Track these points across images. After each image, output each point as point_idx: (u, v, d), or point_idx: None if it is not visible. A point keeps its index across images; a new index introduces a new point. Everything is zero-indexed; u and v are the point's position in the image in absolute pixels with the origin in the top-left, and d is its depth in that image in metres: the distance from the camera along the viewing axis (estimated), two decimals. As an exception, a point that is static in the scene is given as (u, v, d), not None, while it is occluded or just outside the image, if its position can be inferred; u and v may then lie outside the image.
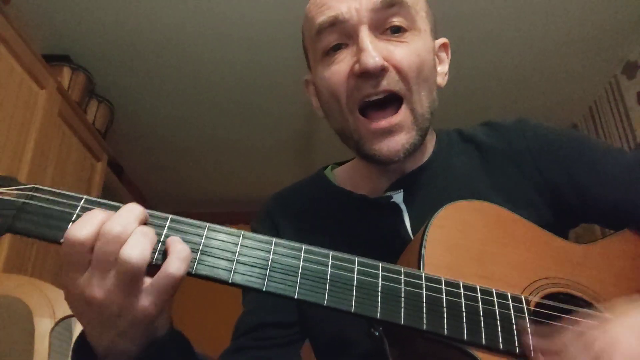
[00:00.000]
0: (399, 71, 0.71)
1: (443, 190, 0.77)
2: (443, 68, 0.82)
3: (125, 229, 0.49)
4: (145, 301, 0.49)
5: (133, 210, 0.51)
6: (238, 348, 0.78)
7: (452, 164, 0.81)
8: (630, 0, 2.25)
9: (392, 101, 0.72)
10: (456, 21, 2.32)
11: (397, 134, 0.71)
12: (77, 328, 1.08)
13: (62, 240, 0.50)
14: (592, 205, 0.76)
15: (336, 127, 0.78)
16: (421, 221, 0.67)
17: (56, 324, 1.07)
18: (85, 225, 0.49)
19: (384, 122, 0.71)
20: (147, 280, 0.50)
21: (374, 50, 0.69)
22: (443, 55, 0.83)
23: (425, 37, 0.76)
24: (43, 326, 1.05)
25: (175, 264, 0.50)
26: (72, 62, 2.46)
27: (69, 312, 1.08)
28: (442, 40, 0.83)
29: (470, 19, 2.33)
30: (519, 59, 2.59)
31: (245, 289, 0.53)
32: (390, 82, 0.70)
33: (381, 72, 0.70)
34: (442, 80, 0.81)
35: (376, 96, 0.71)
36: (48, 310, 1.07)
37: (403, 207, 0.77)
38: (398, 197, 0.78)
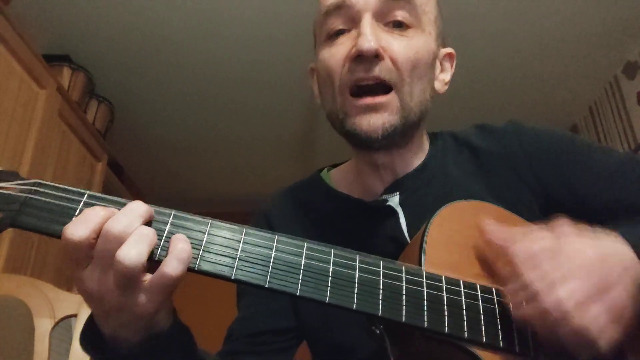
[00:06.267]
0: (394, 62, 0.72)
1: (439, 193, 0.77)
2: (445, 76, 0.82)
3: (126, 229, 0.49)
4: (142, 299, 0.50)
5: (136, 210, 0.51)
6: (232, 352, 0.78)
7: (447, 167, 0.81)
8: (630, 1, 2.25)
9: (384, 91, 0.73)
10: (456, 20, 2.32)
11: (379, 112, 0.72)
12: (77, 328, 1.08)
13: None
14: (585, 206, 0.75)
15: (327, 109, 0.79)
16: (418, 224, 0.67)
17: (56, 324, 1.07)
18: (83, 224, 0.49)
19: (369, 99, 0.72)
20: (147, 277, 0.50)
21: (371, 35, 0.71)
22: (447, 65, 0.83)
23: (428, 39, 0.76)
24: (43, 326, 1.05)
25: (172, 264, 0.50)
26: (72, 62, 2.46)
27: (69, 312, 1.08)
28: (448, 49, 0.83)
29: (470, 18, 2.33)
30: (518, 59, 2.59)
31: (248, 285, 0.53)
32: (382, 70, 0.71)
33: (375, 58, 0.71)
34: (440, 86, 0.81)
35: (367, 82, 0.72)
36: (48, 310, 1.07)
37: (399, 210, 0.77)
38: (394, 200, 0.78)
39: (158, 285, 0.50)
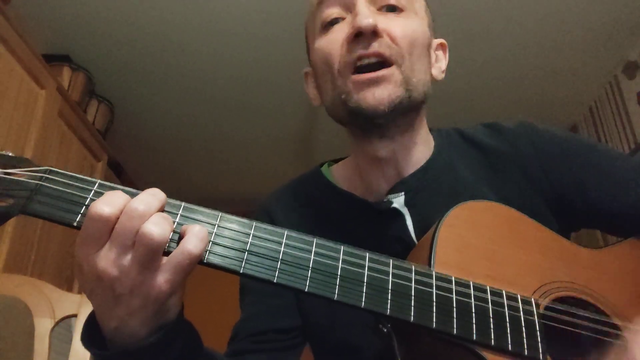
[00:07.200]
0: (392, 39, 0.72)
1: (446, 193, 0.76)
2: (441, 64, 0.82)
3: (149, 209, 0.50)
4: (160, 278, 0.50)
5: (156, 194, 0.52)
6: (239, 352, 0.77)
7: (454, 166, 0.80)
8: (630, 0, 2.25)
9: (385, 67, 0.72)
10: (456, 19, 2.32)
11: (383, 84, 0.71)
12: (77, 328, 1.08)
13: (77, 220, 0.51)
14: (598, 210, 0.75)
15: (327, 100, 0.78)
16: (425, 225, 0.66)
17: (56, 324, 1.07)
18: (110, 202, 0.50)
19: (371, 73, 0.71)
20: (163, 259, 0.51)
21: (369, 12, 0.72)
22: (440, 54, 0.83)
23: (422, 22, 0.77)
24: (43, 326, 1.05)
25: (193, 241, 0.51)
26: (72, 62, 2.45)
27: (69, 312, 1.08)
28: (440, 40, 0.84)
29: (470, 18, 2.33)
30: (518, 58, 2.59)
31: (256, 280, 0.53)
32: (381, 46, 0.71)
33: (374, 35, 0.71)
34: (438, 73, 0.81)
35: (367, 59, 0.71)
36: (48, 310, 1.07)
37: (405, 211, 0.76)
38: (399, 201, 0.76)
39: (177, 264, 0.50)
